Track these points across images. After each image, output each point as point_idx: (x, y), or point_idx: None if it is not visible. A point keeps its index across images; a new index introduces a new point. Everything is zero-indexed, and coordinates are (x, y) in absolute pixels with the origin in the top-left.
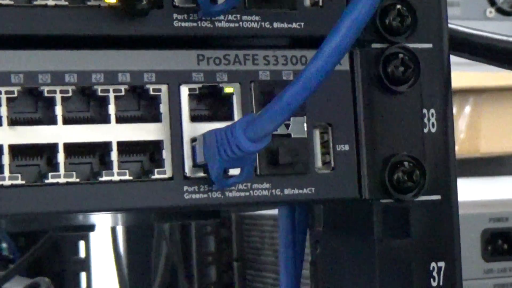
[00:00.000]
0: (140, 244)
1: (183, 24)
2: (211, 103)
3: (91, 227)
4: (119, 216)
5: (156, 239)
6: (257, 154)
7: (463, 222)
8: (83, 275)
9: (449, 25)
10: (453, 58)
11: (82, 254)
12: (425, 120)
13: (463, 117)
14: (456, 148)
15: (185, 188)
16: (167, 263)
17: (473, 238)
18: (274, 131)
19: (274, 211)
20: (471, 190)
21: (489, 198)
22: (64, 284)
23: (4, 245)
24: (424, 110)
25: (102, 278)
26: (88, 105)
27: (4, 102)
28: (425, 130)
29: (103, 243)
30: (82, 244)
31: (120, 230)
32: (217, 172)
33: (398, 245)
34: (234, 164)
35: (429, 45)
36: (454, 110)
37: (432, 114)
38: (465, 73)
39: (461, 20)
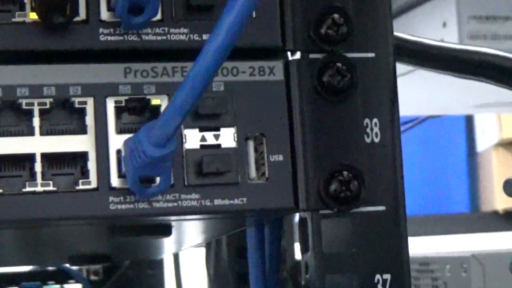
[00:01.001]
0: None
1: (109, 38)
2: (138, 115)
3: (107, 258)
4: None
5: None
6: (172, 162)
7: None
8: None
9: (396, 34)
10: None
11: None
12: (368, 129)
13: None
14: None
15: (111, 198)
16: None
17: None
18: (174, 134)
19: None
20: None
21: None
22: None
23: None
24: (366, 120)
25: None
26: (14, 118)
27: None
28: (367, 140)
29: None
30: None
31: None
32: (132, 180)
33: (341, 257)
34: (149, 172)
35: (371, 54)
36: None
37: (375, 124)
38: None
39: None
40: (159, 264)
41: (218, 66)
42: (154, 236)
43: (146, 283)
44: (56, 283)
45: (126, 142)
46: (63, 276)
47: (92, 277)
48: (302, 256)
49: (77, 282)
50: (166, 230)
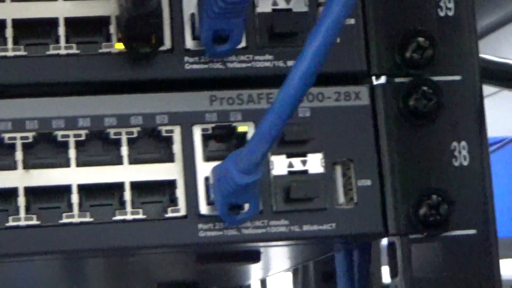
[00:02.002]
0: None
1: (194, 66)
2: (225, 142)
3: (196, 285)
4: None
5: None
6: (259, 188)
7: None
8: None
9: (482, 56)
10: None
11: None
12: (456, 152)
13: None
14: None
15: (200, 226)
16: None
17: None
18: (261, 161)
19: None
20: None
21: None
22: None
23: None
24: (454, 143)
25: None
26: (103, 148)
27: (19, 147)
28: (456, 163)
29: None
30: None
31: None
32: (221, 207)
33: (431, 281)
34: (238, 199)
35: (458, 77)
36: None
37: (463, 147)
38: None
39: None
40: None
41: (304, 92)
42: (243, 262)
43: None
44: None
45: (214, 170)
46: None
47: None
48: (392, 280)
49: None
50: (254, 257)
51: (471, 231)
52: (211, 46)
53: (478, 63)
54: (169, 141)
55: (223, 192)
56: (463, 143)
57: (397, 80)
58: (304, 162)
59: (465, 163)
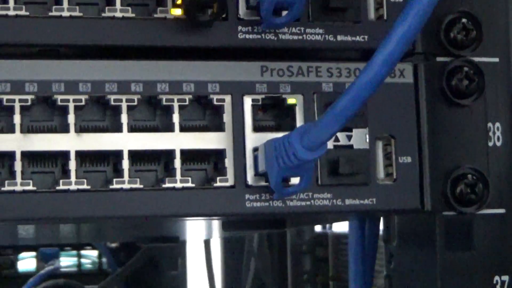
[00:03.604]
0: (235, 258)
1: (247, 36)
2: (274, 113)
3: (175, 239)
4: (191, 229)
5: (245, 254)
6: (314, 163)
7: None
8: None
9: None
10: None
11: (179, 269)
12: (490, 133)
13: None
14: None
15: (247, 196)
16: (256, 277)
17: None
18: (329, 140)
19: None
20: None
21: None
22: None
23: (104, 259)
24: (489, 124)
25: None
26: (153, 114)
27: (72, 110)
28: (490, 144)
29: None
30: (178, 259)
31: (215, 244)
32: (275, 180)
33: (460, 257)
34: (292, 173)
35: (495, 59)
36: None
37: (498, 128)
38: None
39: None
40: (180, 248)
41: (384, 77)
42: (268, 229)
43: (168, 265)
44: (73, 249)
45: (269, 143)
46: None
47: (108, 244)
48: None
49: (93, 248)
50: (280, 225)
51: (501, 210)
52: (270, 17)
53: None
54: (219, 110)
55: (281, 165)
56: (497, 124)
57: (440, 59)
58: (349, 137)
59: (498, 144)
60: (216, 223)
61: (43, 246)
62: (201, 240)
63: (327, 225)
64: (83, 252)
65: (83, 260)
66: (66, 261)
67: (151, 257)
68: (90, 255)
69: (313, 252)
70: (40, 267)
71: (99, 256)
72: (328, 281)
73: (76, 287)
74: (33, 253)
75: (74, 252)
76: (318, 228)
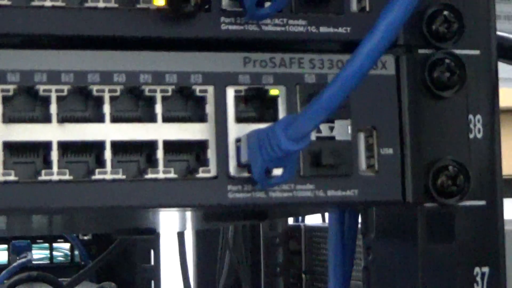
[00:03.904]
0: (207, 252)
1: (230, 27)
2: (256, 105)
3: (152, 231)
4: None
5: (221, 246)
6: (298, 154)
7: (510, 239)
8: (152, 282)
9: (498, 33)
10: (504, 74)
11: (152, 262)
12: (471, 125)
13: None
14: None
15: (229, 187)
16: (230, 270)
17: None
18: (313, 131)
19: None
20: None
21: None
22: None
23: (77, 252)
24: (470, 116)
25: (171, 286)
26: (136, 105)
27: (54, 100)
28: (471, 136)
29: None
30: (151, 252)
31: (188, 236)
32: (259, 171)
33: (441, 249)
34: (276, 164)
35: (477, 52)
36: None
37: (478, 120)
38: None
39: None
40: (153, 241)
41: (370, 67)
42: (249, 221)
43: (140, 258)
44: (45, 242)
45: (252, 134)
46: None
47: (81, 236)
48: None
49: (66, 241)
50: (261, 216)
51: (481, 202)
52: (253, 8)
53: (495, 39)
54: (202, 100)
55: (265, 156)
56: (478, 116)
57: (421, 51)
58: (331, 128)
59: (479, 136)
60: (193, 215)
61: (15, 238)
62: (174, 232)
63: (300, 218)
64: (55, 244)
65: (55, 253)
66: (38, 254)
67: (124, 249)
68: (62, 248)
69: (286, 245)
70: (12, 259)
71: (71, 249)
72: (301, 274)
73: (50, 279)
74: (5, 246)
75: (46, 244)
76: (291, 220)
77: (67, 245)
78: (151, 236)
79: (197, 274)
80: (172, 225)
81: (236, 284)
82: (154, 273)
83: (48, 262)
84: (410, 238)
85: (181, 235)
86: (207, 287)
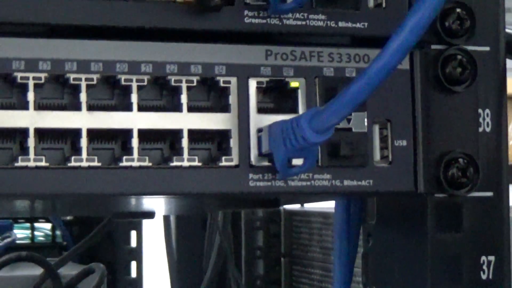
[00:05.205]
0: (191, 235)
1: (253, 20)
2: (277, 96)
3: (151, 214)
4: (177, 204)
5: (209, 230)
6: (319, 145)
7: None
8: (134, 264)
9: (506, 30)
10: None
11: (134, 243)
12: (480, 119)
13: None
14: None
15: (250, 175)
16: (219, 253)
17: None
18: (338, 124)
19: (323, 208)
20: None
21: None
22: (116, 273)
23: (58, 232)
24: (480, 110)
25: (153, 267)
26: (162, 94)
27: (83, 88)
28: (480, 129)
29: (154, 233)
30: (134, 233)
31: (172, 220)
32: (281, 161)
33: (450, 238)
34: (298, 154)
35: (486, 48)
36: None
37: (487, 114)
38: None
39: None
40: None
41: (396, 64)
42: (264, 208)
43: (122, 239)
44: (27, 222)
45: (276, 125)
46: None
47: (63, 217)
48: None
49: (47, 221)
50: (274, 203)
51: (488, 194)
52: (277, 2)
53: (504, 36)
54: (225, 91)
55: (289, 147)
56: (487, 110)
57: (434, 47)
58: (349, 120)
59: (488, 130)
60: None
61: None
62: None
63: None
64: (36, 224)
65: (36, 233)
66: (19, 234)
67: (107, 231)
68: (43, 228)
69: (266, 228)
70: None
71: (53, 229)
72: (280, 257)
73: (38, 259)
74: None
75: (27, 224)
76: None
77: (48, 225)
78: (151, 219)
79: (179, 257)
80: (172, 209)
81: (224, 267)
82: (136, 254)
83: (29, 242)
84: (417, 226)
85: (166, 218)
86: (191, 270)
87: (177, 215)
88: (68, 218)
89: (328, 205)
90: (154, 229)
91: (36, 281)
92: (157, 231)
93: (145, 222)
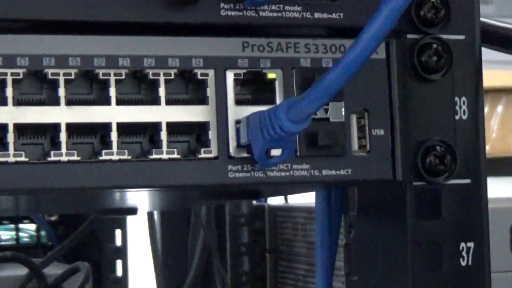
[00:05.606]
0: (175, 231)
1: (229, 13)
2: (254, 87)
3: (134, 211)
4: (160, 199)
5: (193, 226)
6: (297, 135)
7: (492, 217)
8: (119, 262)
9: (481, 19)
10: (487, 56)
11: (119, 242)
12: (457, 107)
13: (495, 116)
14: (488, 147)
15: (230, 167)
16: (204, 249)
17: (502, 232)
18: (315, 113)
19: (307, 203)
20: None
21: None
22: (101, 271)
23: (43, 232)
24: (456, 98)
25: (138, 266)
26: (140, 88)
27: (62, 83)
28: (457, 117)
29: (139, 231)
30: (118, 232)
31: (156, 217)
32: (260, 151)
33: (429, 225)
34: (276, 144)
35: (462, 37)
36: (486, 110)
37: (464, 102)
38: (498, 72)
39: (494, 18)
40: (120, 221)
41: (371, 53)
42: (244, 198)
43: (107, 238)
44: (11, 223)
45: (254, 115)
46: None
47: (47, 217)
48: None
49: (32, 221)
50: (255, 194)
51: (466, 181)
52: None
53: (479, 24)
54: (203, 84)
55: (266, 137)
56: (463, 98)
57: (410, 36)
58: (326, 110)
59: (464, 117)
60: (186, 194)
61: None
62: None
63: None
64: (20, 225)
65: (20, 234)
66: (3, 235)
67: (91, 230)
68: (28, 229)
69: (251, 224)
70: None
71: (37, 230)
72: (265, 253)
73: (23, 259)
74: None
75: (12, 225)
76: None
77: (33, 226)
78: (134, 215)
79: (164, 253)
80: (154, 204)
81: (209, 262)
82: (121, 253)
83: (14, 242)
84: (397, 215)
85: (150, 215)
86: (176, 266)
87: (161, 212)
88: (53, 218)
89: (312, 200)
90: (138, 228)
91: (21, 281)
92: (141, 230)
93: (130, 221)
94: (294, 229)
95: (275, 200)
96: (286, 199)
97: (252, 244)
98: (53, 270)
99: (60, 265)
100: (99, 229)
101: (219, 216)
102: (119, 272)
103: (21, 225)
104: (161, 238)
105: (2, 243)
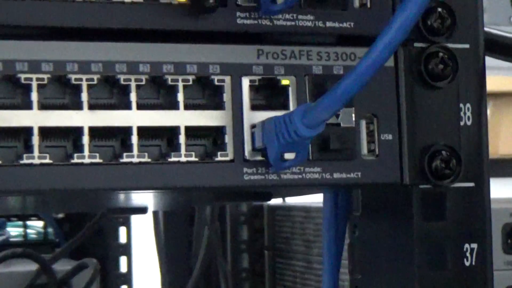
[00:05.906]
0: (179, 229)
1: (245, 21)
2: (269, 93)
3: (144, 209)
4: (172, 198)
5: (197, 224)
6: (310, 140)
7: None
8: (123, 259)
9: (485, 28)
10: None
11: (124, 239)
12: (462, 113)
13: None
14: None
15: (245, 170)
16: (208, 247)
17: (494, 232)
18: (329, 119)
19: (305, 202)
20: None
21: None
22: (106, 268)
23: (50, 229)
24: (461, 105)
25: (142, 262)
26: (159, 93)
27: (85, 88)
28: (461, 123)
29: (143, 229)
30: (123, 229)
31: (161, 216)
32: (274, 155)
33: (434, 227)
34: (290, 148)
35: (466, 45)
36: None
37: (468, 108)
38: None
39: (487, 26)
40: (124, 219)
41: (385, 61)
42: (257, 200)
43: (111, 235)
44: (19, 220)
45: (269, 120)
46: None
47: (54, 215)
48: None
49: (39, 219)
50: (267, 196)
51: (470, 184)
52: (267, 4)
53: (483, 34)
54: (220, 89)
55: (282, 141)
56: (468, 105)
57: (417, 45)
58: (337, 116)
59: (469, 123)
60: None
61: None
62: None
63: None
64: (28, 222)
65: (28, 231)
66: (12, 232)
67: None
68: (35, 226)
69: (251, 223)
70: None
71: (45, 227)
72: (264, 250)
73: (33, 255)
74: None
75: (20, 222)
76: None
77: (40, 223)
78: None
79: (168, 250)
80: (165, 204)
81: (213, 261)
82: (126, 250)
83: (22, 239)
84: (403, 216)
85: (155, 213)
86: (180, 263)
87: (165, 211)
88: (60, 215)
89: (309, 200)
90: (143, 225)
91: (31, 277)
92: (146, 227)
93: (134, 219)
94: (292, 227)
95: (273, 200)
96: (284, 199)
97: (252, 241)
98: (61, 266)
99: (67, 261)
100: (104, 226)
101: (220, 215)
102: (123, 268)
103: (28, 222)
104: (165, 235)
105: (11, 239)
